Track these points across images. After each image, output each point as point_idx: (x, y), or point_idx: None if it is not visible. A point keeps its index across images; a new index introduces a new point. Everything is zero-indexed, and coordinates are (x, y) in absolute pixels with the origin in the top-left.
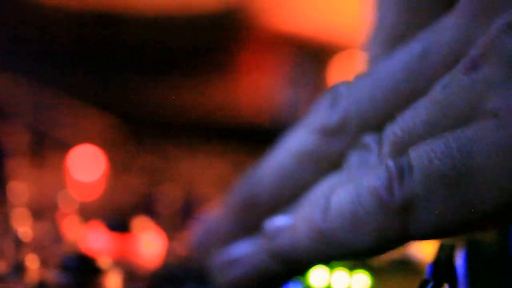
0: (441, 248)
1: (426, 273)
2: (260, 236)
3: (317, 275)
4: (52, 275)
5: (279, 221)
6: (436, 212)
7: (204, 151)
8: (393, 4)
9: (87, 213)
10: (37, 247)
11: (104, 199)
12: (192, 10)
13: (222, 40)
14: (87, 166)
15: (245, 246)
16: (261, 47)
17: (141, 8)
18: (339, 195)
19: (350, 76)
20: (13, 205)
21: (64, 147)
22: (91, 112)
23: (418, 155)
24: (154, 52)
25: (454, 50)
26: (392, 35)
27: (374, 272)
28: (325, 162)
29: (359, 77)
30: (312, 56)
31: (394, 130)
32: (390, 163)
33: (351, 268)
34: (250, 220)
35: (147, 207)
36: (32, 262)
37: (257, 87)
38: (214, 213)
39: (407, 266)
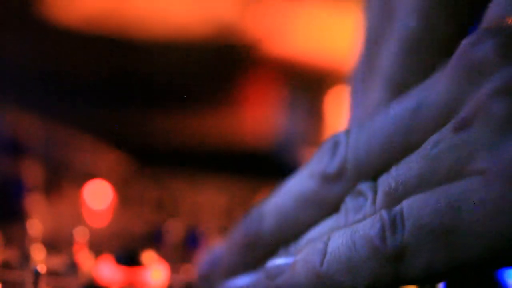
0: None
1: None
2: (261, 273)
3: None
4: None
5: (280, 261)
6: (425, 261)
7: (209, 184)
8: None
9: (98, 246)
10: (54, 278)
11: (113, 233)
12: (193, 40)
13: (224, 72)
14: (98, 200)
15: (247, 280)
16: (262, 76)
17: (148, 36)
18: (336, 240)
19: (346, 106)
20: (31, 239)
21: (78, 181)
22: (101, 147)
23: (410, 208)
24: (161, 85)
25: (445, 109)
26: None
27: None
28: (325, 205)
29: (358, 127)
30: (310, 84)
31: (388, 181)
32: (384, 214)
33: None
34: (252, 256)
35: (155, 240)
36: None
37: (258, 116)
38: (219, 246)
39: None
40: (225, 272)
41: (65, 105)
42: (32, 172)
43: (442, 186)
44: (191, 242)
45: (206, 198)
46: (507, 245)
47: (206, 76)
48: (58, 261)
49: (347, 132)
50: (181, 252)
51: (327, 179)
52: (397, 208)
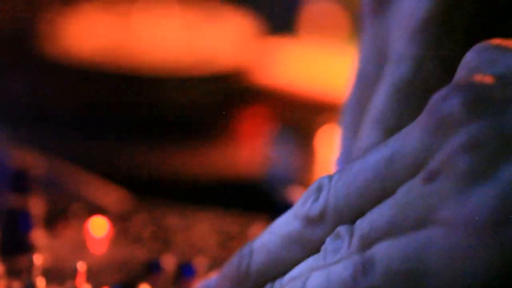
0: None
1: None
2: None
3: None
4: None
5: None
6: None
7: (202, 218)
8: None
9: (97, 278)
10: None
11: (110, 265)
12: (190, 76)
13: (219, 107)
14: (96, 236)
15: None
16: (255, 112)
17: (145, 72)
18: (314, 280)
19: (337, 144)
20: (35, 271)
21: (80, 215)
22: (101, 181)
23: (380, 252)
24: (157, 119)
25: (416, 160)
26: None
27: None
28: (308, 246)
29: (340, 171)
30: (303, 121)
31: (362, 225)
32: (356, 257)
33: None
34: None
35: (149, 275)
36: None
37: (252, 151)
38: (212, 280)
39: None
40: None
41: (66, 141)
42: (36, 206)
43: (410, 233)
44: (185, 275)
45: (199, 232)
46: None
47: (201, 111)
48: None
49: (330, 176)
50: (176, 285)
51: (310, 221)
52: (369, 252)
